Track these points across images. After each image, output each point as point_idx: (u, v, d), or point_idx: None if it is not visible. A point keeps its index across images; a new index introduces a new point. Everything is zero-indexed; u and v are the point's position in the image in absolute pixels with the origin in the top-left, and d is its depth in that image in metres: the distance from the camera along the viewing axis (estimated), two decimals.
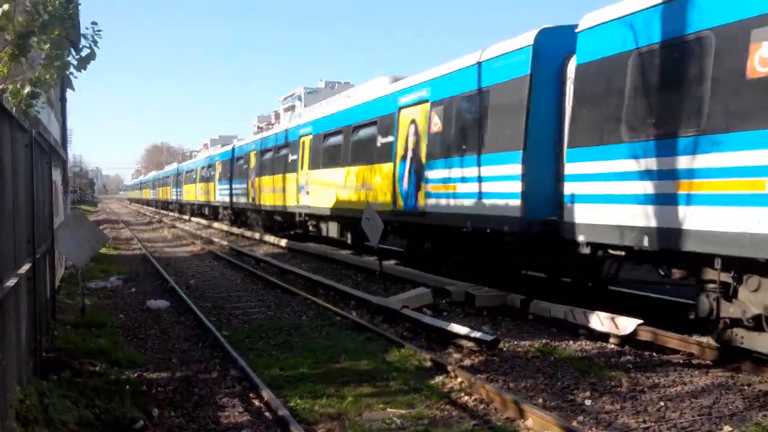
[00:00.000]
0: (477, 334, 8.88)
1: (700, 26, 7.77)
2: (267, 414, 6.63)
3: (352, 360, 8.46)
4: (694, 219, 7.67)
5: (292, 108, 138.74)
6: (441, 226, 13.63)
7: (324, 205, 20.18)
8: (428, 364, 8.21)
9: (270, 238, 26.22)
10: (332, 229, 20.57)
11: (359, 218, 14.21)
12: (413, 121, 14.49)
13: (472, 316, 11.05)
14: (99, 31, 7.15)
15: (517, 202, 10.97)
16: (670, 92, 8.23)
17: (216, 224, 37.70)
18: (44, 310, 8.75)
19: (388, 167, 15.55)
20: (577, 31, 9.90)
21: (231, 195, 33.92)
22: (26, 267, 6.50)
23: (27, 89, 6.42)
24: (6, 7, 5.87)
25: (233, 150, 34.55)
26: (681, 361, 8.26)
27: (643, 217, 8.37)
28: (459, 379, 7.48)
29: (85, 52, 7.19)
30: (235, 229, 32.19)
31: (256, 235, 28.09)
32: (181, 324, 11.33)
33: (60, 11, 6.60)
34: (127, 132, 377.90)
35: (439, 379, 7.61)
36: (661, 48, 8.34)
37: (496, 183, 11.62)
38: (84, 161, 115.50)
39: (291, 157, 23.77)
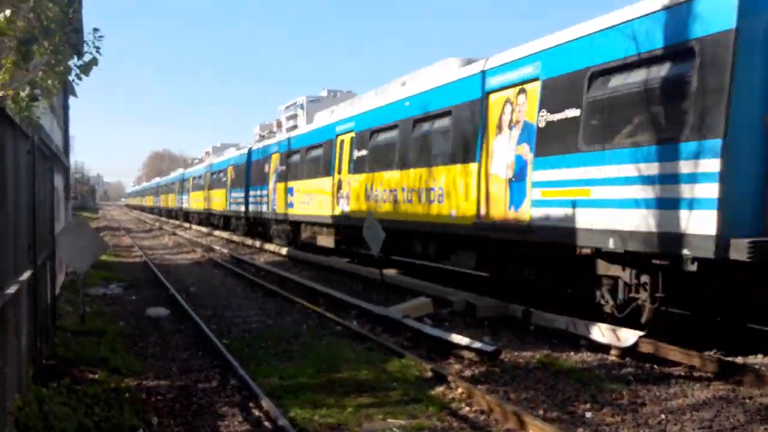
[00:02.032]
0: (478, 345, 8.85)
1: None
2: (266, 423, 6.60)
3: (352, 370, 8.43)
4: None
5: (294, 116, 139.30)
6: (260, 218, 29.60)
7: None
8: (429, 374, 8.19)
9: (271, 247, 26.32)
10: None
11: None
12: (265, 165, 30.02)
13: (473, 327, 11.03)
14: (101, 37, 7.18)
15: (272, 207, 26.07)
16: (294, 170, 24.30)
17: (217, 232, 37.81)
18: (45, 317, 8.74)
19: (240, 192, 32.68)
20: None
21: (182, 202, 54.24)
22: (27, 274, 6.50)
23: (26, 90, 6.42)
24: (8, 12, 5.89)
25: (183, 174, 56.28)
26: (682, 374, 8.23)
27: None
28: (459, 390, 7.46)
29: (87, 58, 7.23)
30: (236, 237, 32.56)
31: (257, 244, 28.26)
32: (181, 332, 11.31)
33: (60, 16, 6.62)
34: (129, 139, 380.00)
35: (439, 389, 7.59)
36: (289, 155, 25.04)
37: (263, 198, 27.71)
38: (85, 168, 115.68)
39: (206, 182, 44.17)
